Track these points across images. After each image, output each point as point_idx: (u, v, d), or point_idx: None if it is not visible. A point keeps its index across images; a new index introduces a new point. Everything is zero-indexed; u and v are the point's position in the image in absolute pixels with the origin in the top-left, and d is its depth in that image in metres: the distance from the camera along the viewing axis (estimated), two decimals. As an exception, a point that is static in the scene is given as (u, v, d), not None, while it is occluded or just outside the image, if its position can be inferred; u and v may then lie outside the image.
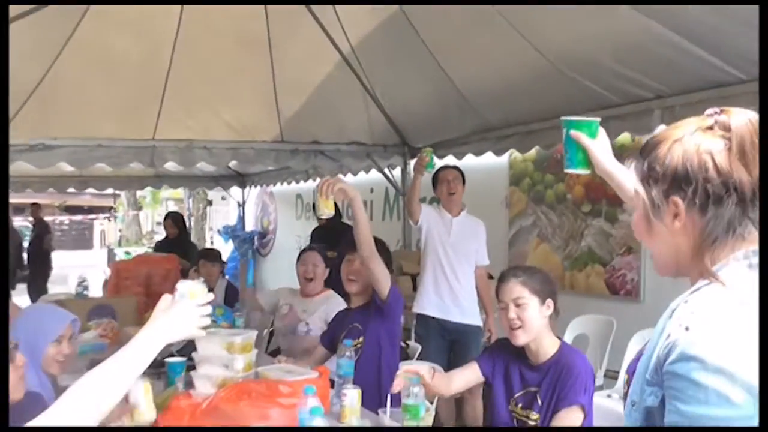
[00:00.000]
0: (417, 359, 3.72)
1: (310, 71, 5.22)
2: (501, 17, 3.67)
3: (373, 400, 2.48)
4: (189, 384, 2.56)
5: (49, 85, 4.76)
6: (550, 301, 2.31)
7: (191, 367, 2.59)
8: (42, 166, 5.13)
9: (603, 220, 4.90)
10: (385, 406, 2.36)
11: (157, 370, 2.97)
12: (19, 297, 9.99)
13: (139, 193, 17.52)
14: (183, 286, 1.68)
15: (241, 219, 10.90)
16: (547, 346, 2.31)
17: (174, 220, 7.33)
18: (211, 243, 13.85)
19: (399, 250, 6.08)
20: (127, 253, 13.19)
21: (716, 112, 1.06)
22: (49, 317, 2.43)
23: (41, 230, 10.80)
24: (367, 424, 2.33)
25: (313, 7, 4.52)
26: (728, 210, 1.02)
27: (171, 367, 2.80)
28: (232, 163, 6.26)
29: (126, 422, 2.07)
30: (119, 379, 1.50)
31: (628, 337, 3.76)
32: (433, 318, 4.11)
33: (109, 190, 13.00)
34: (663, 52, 3.29)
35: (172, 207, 18.85)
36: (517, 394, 2.35)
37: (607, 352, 4.21)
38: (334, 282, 3.58)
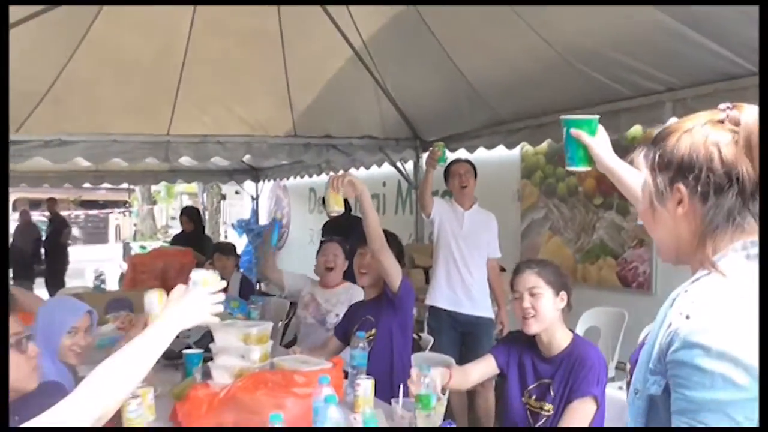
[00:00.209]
0: (429, 351, 3.76)
1: (322, 66, 5.25)
2: (511, 10, 3.69)
3: (385, 390, 2.52)
4: (206, 374, 2.60)
5: (64, 83, 4.83)
6: (563, 294, 2.34)
7: (208, 358, 2.64)
8: (58, 161, 5.20)
9: (615, 213, 4.91)
10: (398, 396, 2.41)
11: (175, 361, 3.05)
12: (37, 290, 10.14)
13: (153, 187, 17.63)
14: (196, 274, 1.72)
15: (255, 213, 10.95)
16: (559, 339, 2.34)
17: (190, 215, 7.36)
18: (225, 237, 13.93)
19: (412, 243, 6.12)
20: (143, 247, 13.27)
21: (728, 107, 1.09)
22: (64, 308, 2.47)
23: (59, 225, 10.91)
24: (380, 413, 2.37)
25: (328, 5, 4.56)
26: (729, 200, 1.06)
27: (189, 359, 2.86)
28: (246, 158, 6.30)
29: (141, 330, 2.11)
30: (135, 366, 1.53)
31: (640, 329, 3.74)
32: (445, 310, 4.14)
33: (124, 185, 13.11)
34: (673, 44, 3.29)
35: (187, 201, 18.98)
36: (531, 386, 2.38)
37: (618, 345, 4.22)
38: (351, 275, 3.63)
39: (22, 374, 1.71)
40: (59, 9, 4.11)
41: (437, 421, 2.22)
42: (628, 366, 1.22)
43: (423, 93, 5.30)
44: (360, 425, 1.95)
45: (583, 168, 1.69)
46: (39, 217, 14.30)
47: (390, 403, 2.44)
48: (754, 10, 2.74)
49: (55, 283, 9.79)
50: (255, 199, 10.76)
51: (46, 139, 4.99)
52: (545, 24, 3.72)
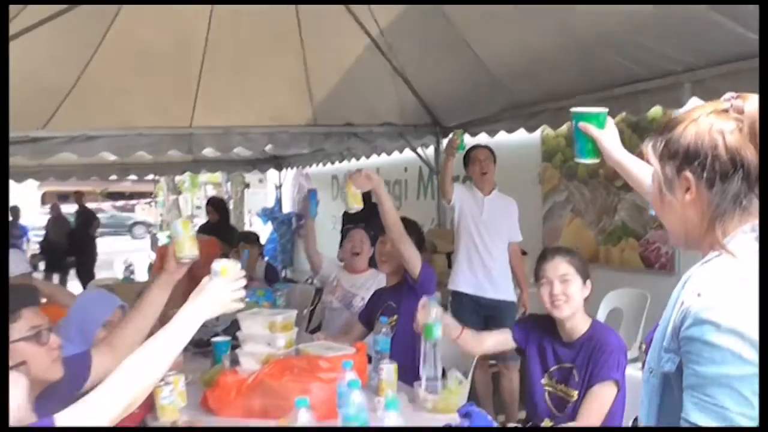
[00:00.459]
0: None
1: (341, 55, 5.29)
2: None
3: (408, 374, 2.57)
4: (234, 361, 2.69)
5: (86, 81, 4.92)
6: (589, 282, 2.39)
7: (236, 346, 2.72)
8: (85, 156, 5.30)
9: (636, 194, 4.88)
10: (420, 379, 2.47)
11: (205, 349, 3.14)
12: (70, 282, 10.36)
13: (177, 177, 17.78)
14: (216, 264, 1.77)
15: (279, 201, 11.04)
16: (579, 324, 2.38)
17: (215, 205, 7.44)
18: (250, 225, 14.05)
19: (433, 229, 6.15)
20: (170, 237, 13.39)
21: (733, 97, 1.13)
22: (98, 303, 2.54)
23: (87, 217, 11.08)
24: (402, 396, 2.43)
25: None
26: (734, 185, 1.10)
27: (217, 346, 2.95)
28: (268, 147, 6.36)
29: (171, 264, 2.26)
30: (161, 357, 1.61)
31: (663, 310, 3.77)
32: (467, 295, 4.19)
33: (150, 176, 13.26)
34: (691, 25, 3.25)
35: (211, 191, 19.12)
36: (552, 368, 2.42)
37: (641, 326, 4.22)
38: (376, 262, 3.69)
39: (43, 365, 1.76)
40: (80, 8, 4.19)
41: (459, 402, 2.27)
42: (643, 346, 1.27)
43: (442, 79, 5.30)
44: (383, 408, 2.01)
45: (591, 160, 1.72)
46: (67, 210, 14.53)
47: (413, 386, 2.50)
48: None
49: (86, 274, 9.96)
50: (278, 187, 10.85)
51: (72, 135, 5.08)
52: (560, 6, 3.71)
